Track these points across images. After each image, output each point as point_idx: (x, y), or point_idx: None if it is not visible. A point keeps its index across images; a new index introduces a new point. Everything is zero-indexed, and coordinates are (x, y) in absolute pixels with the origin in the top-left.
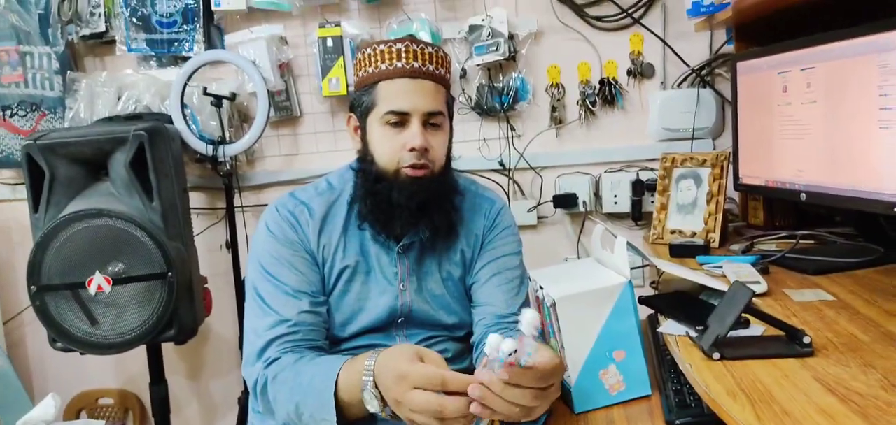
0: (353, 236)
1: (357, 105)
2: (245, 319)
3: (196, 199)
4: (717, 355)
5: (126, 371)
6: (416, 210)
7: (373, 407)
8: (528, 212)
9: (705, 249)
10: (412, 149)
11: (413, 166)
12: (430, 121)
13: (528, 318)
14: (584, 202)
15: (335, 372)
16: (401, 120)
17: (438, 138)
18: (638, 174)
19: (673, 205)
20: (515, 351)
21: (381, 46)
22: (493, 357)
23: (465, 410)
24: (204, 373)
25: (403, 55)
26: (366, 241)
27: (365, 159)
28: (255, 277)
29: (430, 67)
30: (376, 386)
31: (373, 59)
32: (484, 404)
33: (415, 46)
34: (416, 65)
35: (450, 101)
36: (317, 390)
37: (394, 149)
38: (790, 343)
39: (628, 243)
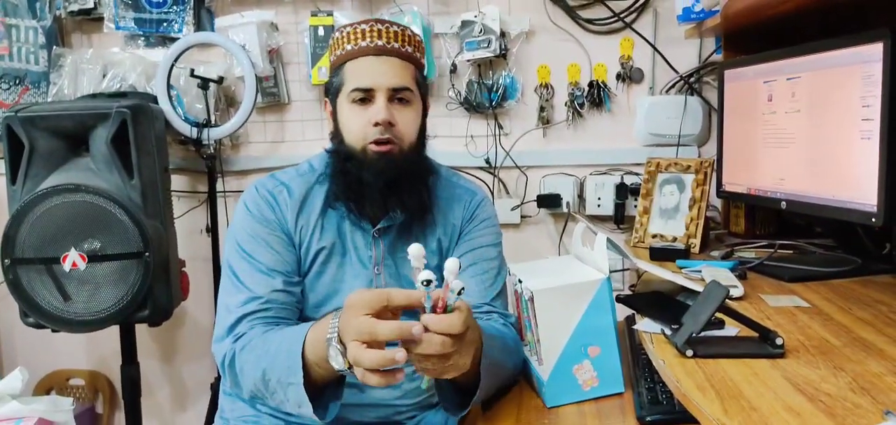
0: (331, 218)
1: (329, 88)
2: (219, 296)
3: (178, 182)
4: (689, 352)
5: (98, 352)
6: (385, 188)
7: (337, 363)
8: (512, 210)
9: (685, 254)
10: (376, 124)
11: (378, 142)
12: (396, 97)
13: (449, 266)
14: (568, 203)
15: (303, 333)
16: (366, 96)
17: (406, 114)
18: (622, 178)
19: (655, 210)
20: (429, 282)
21: (348, 28)
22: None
23: (398, 332)
24: (177, 358)
25: (368, 34)
26: (343, 223)
27: (336, 139)
28: (231, 254)
29: (396, 45)
30: (341, 342)
31: (341, 41)
32: (414, 346)
33: (379, 25)
34: (379, 42)
35: (420, 80)
36: (284, 352)
37: (360, 126)
38: (762, 343)
39: (609, 240)
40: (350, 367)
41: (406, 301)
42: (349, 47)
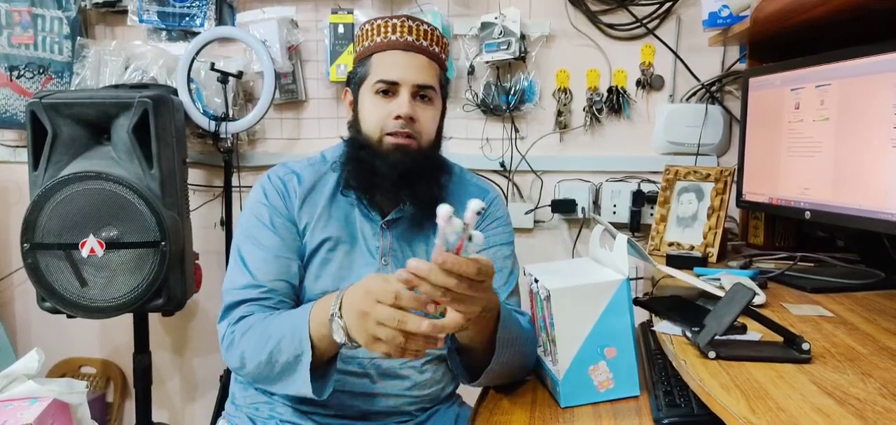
0: (339, 207)
1: (353, 77)
2: (226, 273)
3: (194, 176)
4: (712, 354)
5: (111, 341)
6: (398, 179)
7: (339, 336)
8: (526, 214)
9: (703, 262)
10: (398, 117)
11: (396, 134)
12: (420, 94)
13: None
14: (583, 209)
15: (307, 314)
16: (390, 89)
17: (427, 112)
18: (639, 185)
19: (672, 218)
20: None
21: (379, 21)
22: (445, 231)
23: (424, 329)
24: (188, 350)
25: (398, 28)
26: (352, 213)
27: (354, 129)
28: (240, 237)
29: (424, 43)
30: (342, 317)
31: (370, 32)
32: (423, 286)
33: (410, 22)
34: (409, 38)
35: (443, 80)
36: (290, 330)
37: (381, 118)
38: (788, 348)
39: (629, 241)
40: (349, 340)
41: (414, 305)
42: (378, 39)
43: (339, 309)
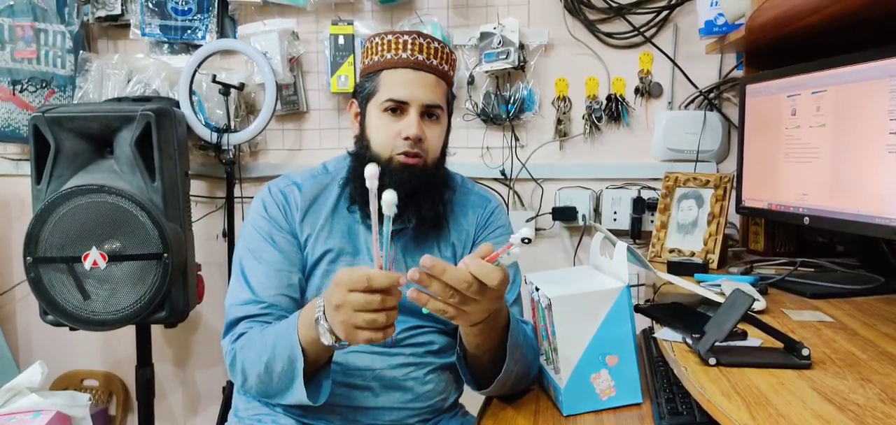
0: (341, 219)
1: (360, 91)
2: (228, 287)
3: (196, 187)
4: (713, 360)
5: (113, 354)
6: (404, 197)
7: (326, 339)
8: (527, 222)
9: (703, 268)
10: (407, 138)
11: (406, 154)
12: (427, 113)
13: (520, 231)
14: (584, 216)
15: (296, 316)
16: (399, 108)
17: (434, 131)
18: (639, 192)
19: (673, 224)
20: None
21: (389, 36)
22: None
23: (389, 282)
24: (190, 362)
25: (409, 46)
26: (354, 225)
27: (361, 144)
28: (242, 251)
29: (434, 61)
30: (326, 318)
31: (379, 47)
32: (429, 282)
33: (421, 39)
34: (420, 57)
35: (450, 98)
36: (283, 338)
37: (389, 137)
38: (788, 354)
39: (629, 248)
40: (336, 341)
41: (387, 282)
42: (388, 55)
43: (323, 312)
